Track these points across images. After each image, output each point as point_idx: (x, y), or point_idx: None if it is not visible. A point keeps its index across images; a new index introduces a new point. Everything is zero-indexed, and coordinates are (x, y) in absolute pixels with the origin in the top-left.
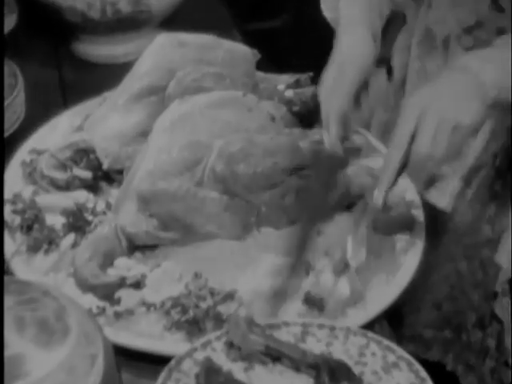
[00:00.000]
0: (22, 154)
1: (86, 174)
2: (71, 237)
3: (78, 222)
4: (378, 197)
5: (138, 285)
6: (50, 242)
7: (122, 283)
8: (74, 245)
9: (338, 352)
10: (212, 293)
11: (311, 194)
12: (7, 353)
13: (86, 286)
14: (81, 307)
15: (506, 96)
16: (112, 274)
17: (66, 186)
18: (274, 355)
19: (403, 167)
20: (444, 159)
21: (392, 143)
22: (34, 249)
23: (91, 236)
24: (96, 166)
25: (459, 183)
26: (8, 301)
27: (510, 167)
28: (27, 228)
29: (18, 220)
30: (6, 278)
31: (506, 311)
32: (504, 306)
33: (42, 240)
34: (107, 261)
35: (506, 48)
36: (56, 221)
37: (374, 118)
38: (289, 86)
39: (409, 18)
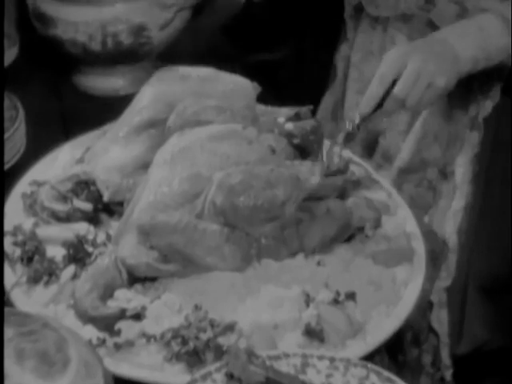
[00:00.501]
0: (22, 186)
1: (87, 206)
2: (71, 268)
3: (78, 254)
4: (353, 120)
5: (138, 316)
6: (51, 273)
7: (121, 315)
8: (75, 276)
9: (339, 383)
10: (212, 324)
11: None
12: None
13: (86, 318)
14: (81, 338)
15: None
16: (112, 306)
17: (67, 218)
18: None
19: (379, 106)
20: (411, 109)
21: (376, 80)
22: (34, 280)
23: (91, 268)
24: (96, 198)
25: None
26: (8, 332)
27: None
28: (28, 260)
29: (18, 252)
30: (6, 310)
31: (444, 324)
32: (441, 318)
33: (42, 272)
34: (107, 292)
35: (485, 23)
36: (56, 252)
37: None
38: (289, 119)
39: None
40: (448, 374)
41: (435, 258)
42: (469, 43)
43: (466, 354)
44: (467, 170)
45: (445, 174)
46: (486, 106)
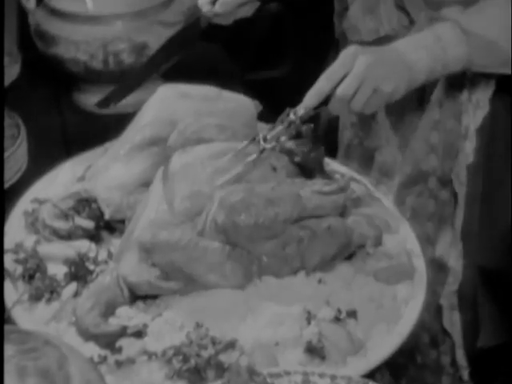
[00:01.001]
0: (24, 204)
1: (88, 224)
2: (73, 286)
3: (79, 272)
4: (296, 111)
5: (139, 334)
6: (52, 291)
7: (123, 332)
8: (76, 294)
9: None
10: (213, 342)
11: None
12: None
13: (87, 335)
14: (82, 356)
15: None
16: (113, 324)
17: (68, 236)
18: None
19: (325, 102)
20: (356, 112)
21: (325, 75)
22: (35, 298)
23: (93, 286)
24: (98, 216)
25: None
26: (9, 350)
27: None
28: (29, 277)
29: (19, 269)
30: (7, 328)
31: (456, 326)
32: (453, 320)
33: (43, 289)
34: (109, 310)
35: (443, 33)
36: (58, 270)
37: None
38: (290, 137)
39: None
40: (465, 374)
41: (442, 263)
42: (423, 53)
43: (482, 353)
44: (463, 178)
45: (443, 182)
46: (477, 116)
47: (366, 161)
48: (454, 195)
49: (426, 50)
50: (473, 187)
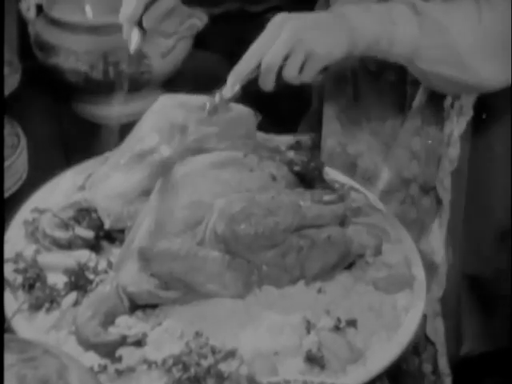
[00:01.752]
0: (24, 213)
1: (88, 234)
2: (73, 295)
3: (79, 281)
4: (226, 90)
5: (139, 343)
6: (52, 300)
7: (123, 341)
8: (76, 303)
9: None
10: (213, 351)
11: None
12: None
13: (87, 345)
14: (82, 365)
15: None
16: (113, 333)
17: (68, 245)
18: None
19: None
20: (292, 81)
21: (251, 50)
22: (35, 307)
23: (92, 295)
24: (98, 226)
25: None
26: (9, 359)
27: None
28: (29, 287)
29: (19, 279)
30: (7, 337)
31: (439, 333)
32: (437, 328)
33: (43, 299)
34: (109, 319)
35: (396, 8)
36: (58, 280)
37: None
38: (290, 147)
39: None
40: (448, 381)
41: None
42: (369, 19)
43: (465, 361)
44: (447, 185)
45: (425, 189)
46: (460, 122)
47: (349, 168)
48: (438, 202)
49: (373, 18)
50: (457, 194)
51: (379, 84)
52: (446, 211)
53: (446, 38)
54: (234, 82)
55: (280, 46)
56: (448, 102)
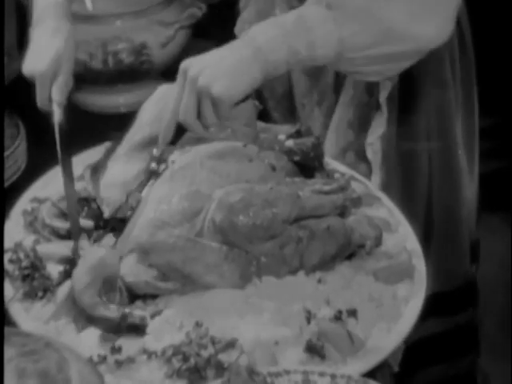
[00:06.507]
0: (23, 203)
1: (88, 223)
2: (68, 284)
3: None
4: (156, 152)
5: (137, 329)
6: (50, 289)
7: (123, 320)
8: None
9: None
10: (213, 341)
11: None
12: None
13: (86, 317)
14: (82, 358)
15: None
16: (113, 309)
17: (68, 235)
18: None
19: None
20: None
21: (169, 110)
22: (32, 296)
23: (88, 260)
24: (97, 215)
25: None
26: (9, 352)
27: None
28: (28, 277)
29: (18, 269)
30: (8, 330)
31: None
32: None
33: (42, 288)
34: (106, 287)
35: (306, 11)
36: (57, 269)
37: None
38: (289, 136)
39: None
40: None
41: None
42: (277, 33)
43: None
44: (377, 148)
45: (360, 156)
46: (386, 86)
47: None
48: (368, 166)
49: (284, 32)
50: (387, 157)
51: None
52: (376, 174)
53: (370, 20)
54: (163, 140)
55: (187, 102)
56: None
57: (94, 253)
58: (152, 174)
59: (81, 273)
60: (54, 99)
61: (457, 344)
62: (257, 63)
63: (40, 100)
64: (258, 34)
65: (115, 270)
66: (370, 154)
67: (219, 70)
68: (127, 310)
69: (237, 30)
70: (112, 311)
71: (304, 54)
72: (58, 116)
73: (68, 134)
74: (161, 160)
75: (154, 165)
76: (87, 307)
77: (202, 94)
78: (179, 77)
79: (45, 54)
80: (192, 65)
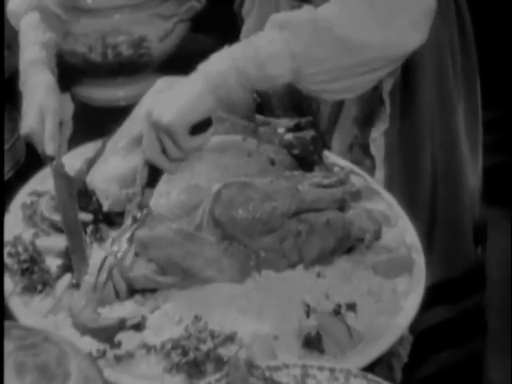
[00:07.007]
0: (22, 196)
1: (87, 217)
2: (67, 278)
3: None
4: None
5: (138, 327)
6: (49, 283)
7: (121, 325)
8: (70, 286)
9: None
10: (212, 335)
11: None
12: None
13: (85, 331)
14: (81, 352)
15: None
16: (111, 317)
17: None
18: None
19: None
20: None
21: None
22: (31, 290)
23: (83, 285)
24: (96, 209)
25: None
26: (9, 346)
27: None
28: (27, 270)
29: (17, 263)
30: (8, 323)
31: None
32: None
33: (41, 282)
34: (102, 306)
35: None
36: (56, 263)
37: None
38: (289, 130)
39: None
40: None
41: None
42: (225, 60)
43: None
44: (381, 144)
45: (366, 151)
46: (388, 82)
47: None
48: (372, 161)
49: (230, 56)
50: (391, 152)
51: None
52: (380, 169)
53: (321, 32)
54: (137, 188)
55: (147, 139)
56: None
57: (87, 278)
58: (135, 221)
59: (76, 298)
60: (46, 154)
61: (464, 329)
62: (207, 90)
63: (41, 155)
64: (208, 64)
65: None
66: (373, 150)
67: (170, 102)
68: (124, 315)
69: (242, 37)
70: (109, 319)
71: (254, 73)
72: (53, 165)
73: (65, 175)
74: (142, 206)
75: (135, 211)
76: (88, 323)
77: (156, 127)
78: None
79: (29, 112)
80: (152, 104)
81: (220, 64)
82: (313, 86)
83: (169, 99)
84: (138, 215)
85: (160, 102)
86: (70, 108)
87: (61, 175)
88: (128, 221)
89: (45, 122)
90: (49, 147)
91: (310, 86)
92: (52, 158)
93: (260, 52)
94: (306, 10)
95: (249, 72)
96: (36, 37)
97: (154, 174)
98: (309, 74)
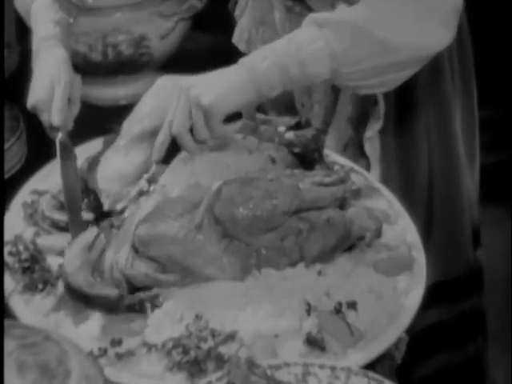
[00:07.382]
0: (23, 195)
1: (88, 215)
2: None
3: None
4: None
5: (135, 308)
6: (50, 282)
7: (120, 300)
8: None
9: None
10: (213, 334)
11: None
12: None
13: (81, 296)
14: (82, 351)
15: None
16: (108, 287)
17: (67, 228)
18: None
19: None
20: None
21: (165, 126)
22: (32, 289)
23: (76, 244)
24: (97, 207)
25: None
26: (10, 345)
27: None
28: (28, 269)
29: (18, 261)
30: (8, 323)
31: None
32: None
33: (42, 280)
34: (97, 267)
35: (297, 33)
36: (57, 262)
37: None
38: (289, 128)
39: None
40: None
41: None
42: (268, 55)
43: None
44: (376, 143)
45: (360, 151)
46: None
47: None
48: (367, 161)
49: (273, 53)
50: (386, 151)
51: None
52: (375, 168)
53: (361, 34)
54: (156, 154)
55: (179, 113)
56: None
57: (81, 237)
58: (142, 194)
59: (71, 257)
60: (53, 124)
61: (462, 331)
62: (250, 83)
63: (46, 128)
64: (253, 60)
65: (101, 253)
66: (368, 149)
67: (212, 83)
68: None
69: (235, 39)
70: (110, 289)
71: (295, 72)
72: (59, 137)
73: (70, 149)
74: (152, 180)
75: (144, 184)
76: (84, 286)
77: (192, 104)
78: (178, 93)
79: (40, 83)
80: (189, 81)
81: (265, 61)
82: (348, 83)
83: (211, 82)
84: (145, 188)
85: (199, 83)
86: (79, 89)
87: (66, 148)
88: (134, 191)
89: (54, 93)
90: (56, 118)
91: (344, 83)
92: (58, 129)
93: (301, 50)
94: (342, 10)
95: (290, 70)
96: (49, 16)
97: (169, 152)
98: (346, 73)
